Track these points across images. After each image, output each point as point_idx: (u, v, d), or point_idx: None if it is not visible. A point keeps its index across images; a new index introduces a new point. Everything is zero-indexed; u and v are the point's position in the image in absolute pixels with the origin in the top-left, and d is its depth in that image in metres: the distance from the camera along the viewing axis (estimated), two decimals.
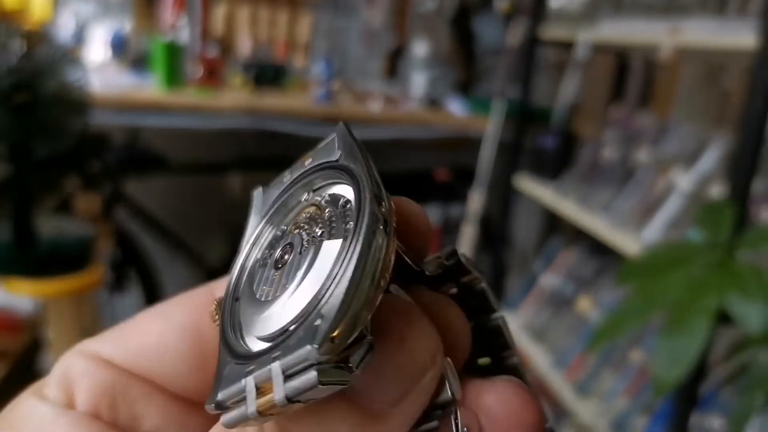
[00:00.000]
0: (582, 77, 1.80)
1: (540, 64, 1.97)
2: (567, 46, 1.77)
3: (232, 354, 0.14)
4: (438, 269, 0.17)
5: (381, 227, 0.13)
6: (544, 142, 1.64)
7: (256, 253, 0.16)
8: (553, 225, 2.30)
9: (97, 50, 1.78)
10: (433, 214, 1.98)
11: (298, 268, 0.14)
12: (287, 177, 0.17)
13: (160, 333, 0.16)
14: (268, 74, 1.77)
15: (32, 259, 0.89)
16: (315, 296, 0.13)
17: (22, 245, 0.91)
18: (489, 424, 0.14)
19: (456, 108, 1.86)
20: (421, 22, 2.11)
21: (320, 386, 0.12)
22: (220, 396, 0.13)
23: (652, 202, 1.32)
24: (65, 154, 1.48)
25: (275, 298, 0.14)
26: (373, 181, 0.15)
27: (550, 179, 1.63)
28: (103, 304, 1.54)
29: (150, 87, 1.64)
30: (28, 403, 0.16)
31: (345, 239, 0.13)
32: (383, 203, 0.14)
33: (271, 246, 0.15)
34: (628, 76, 1.82)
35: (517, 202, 2.30)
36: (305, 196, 0.16)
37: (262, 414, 0.12)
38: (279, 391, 0.12)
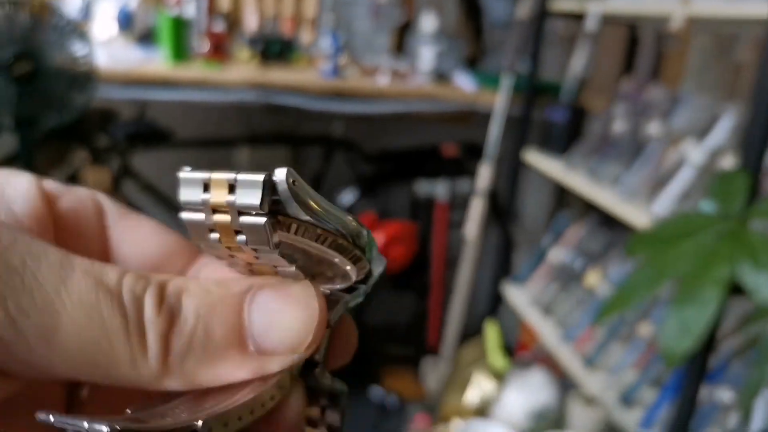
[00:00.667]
0: (592, 50, 1.76)
1: (549, 37, 1.93)
2: (576, 18, 1.73)
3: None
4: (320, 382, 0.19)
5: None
6: (553, 115, 1.61)
7: None
8: (562, 199, 2.28)
9: (103, 25, 1.76)
10: (440, 189, 1.96)
11: None
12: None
13: (152, 234, 0.19)
14: (274, 49, 1.75)
15: None
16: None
17: None
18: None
19: (464, 82, 1.83)
20: None
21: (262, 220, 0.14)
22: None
23: (662, 176, 1.29)
24: (72, 128, 1.47)
25: None
26: None
27: (559, 153, 1.60)
28: None
29: (157, 61, 1.62)
30: (25, 176, 0.18)
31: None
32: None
33: None
34: (638, 48, 1.78)
35: (526, 176, 2.28)
36: None
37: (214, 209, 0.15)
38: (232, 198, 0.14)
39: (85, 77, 0.99)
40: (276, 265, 0.16)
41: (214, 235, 0.15)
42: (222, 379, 0.15)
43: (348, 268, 0.17)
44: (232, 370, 0.15)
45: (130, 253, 0.18)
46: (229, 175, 0.14)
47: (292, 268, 0.16)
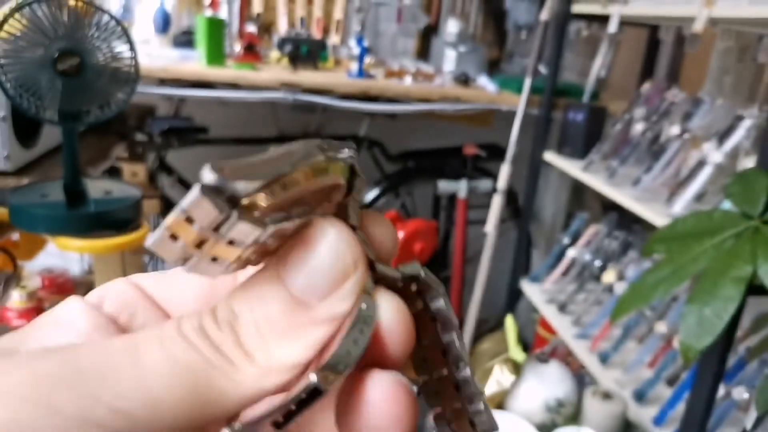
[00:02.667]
0: (613, 52, 1.73)
1: (569, 39, 1.91)
2: (598, 19, 1.71)
3: None
4: (396, 273, 0.18)
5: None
6: (573, 117, 1.59)
7: None
8: (580, 200, 2.25)
9: (141, 26, 1.79)
10: (461, 188, 1.95)
11: None
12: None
13: (192, 282, 0.19)
14: (304, 51, 1.75)
15: (82, 218, 0.90)
16: None
17: (72, 205, 0.92)
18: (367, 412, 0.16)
19: (487, 85, 1.81)
20: (453, 0, 2.06)
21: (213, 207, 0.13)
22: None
23: (682, 177, 1.27)
24: (111, 123, 1.50)
25: None
26: None
27: (578, 154, 1.58)
28: (146, 268, 1.57)
29: (193, 62, 1.64)
30: (71, 299, 0.19)
31: None
32: None
33: None
34: (658, 50, 1.75)
35: (545, 177, 2.26)
36: None
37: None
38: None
39: (127, 75, 1.00)
40: (278, 233, 0.15)
41: (205, 260, 0.15)
42: (309, 344, 0.15)
43: (337, 174, 0.16)
44: (310, 329, 0.15)
45: (180, 306, 0.19)
46: (175, 213, 0.13)
47: (294, 221, 0.15)
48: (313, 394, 0.14)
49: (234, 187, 0.13)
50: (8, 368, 0.14)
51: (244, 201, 0.14)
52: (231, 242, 0.14)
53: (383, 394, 0.16)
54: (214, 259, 0.14)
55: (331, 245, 0.15)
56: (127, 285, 0.19)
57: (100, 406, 0.13)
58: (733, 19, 1.11)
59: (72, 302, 0.19)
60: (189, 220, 0.13)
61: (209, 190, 0.13)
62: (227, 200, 0.13)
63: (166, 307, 0.19)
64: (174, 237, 0.14)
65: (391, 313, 0.17)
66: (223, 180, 0.13)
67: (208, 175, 0.13)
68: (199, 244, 0.14)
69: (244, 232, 0.14)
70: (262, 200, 0.14)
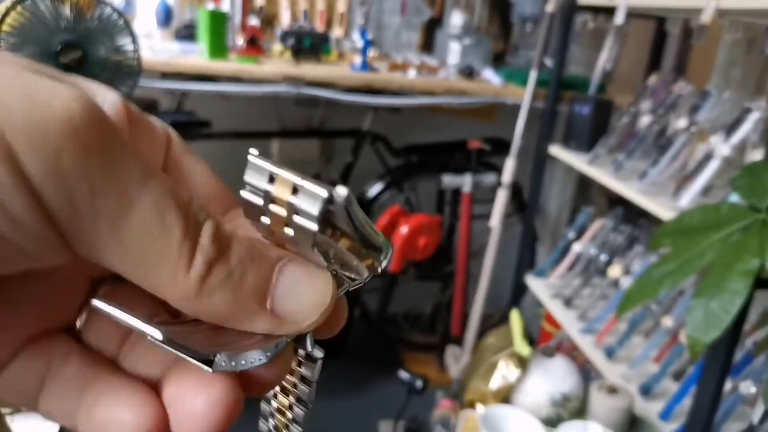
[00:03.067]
0: (620, 44, 1.72)
1: (576, 31, 1.90)
2: (604, 11, 1.69)
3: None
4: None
5: None
6: (579, 110, 1.58)
7: None
8: (585, 194, 2.24)
9: (143, 20, 1.78)
10: (466, 182, 1.95)
11: None
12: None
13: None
14: (307, 44, 1.75)
15: None
16: None
17: None
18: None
19: (491, 78, 1.81)
20: None
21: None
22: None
23: (688, 170, 1.26)
24: None
25: None
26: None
27: (584, 147, 1.57)
28: None
29: (195, 56, 1.64)
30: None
31: None
32: None
33: None
34: (665, 43, 1.74)
35: (550, 171, 2.25)
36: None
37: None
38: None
39: (130, 69, 1.00)
40: (303, 250, 0.17)
41: (266, 219, 0.17)
42: (238, 324, 0.16)
43: (361, 268, 0.18)
44: (249, 319, 0.16)
45: (186, 186, 0.20)
46: (295, 178, 0.16)
47: (316, 255, 0.17)
48: None
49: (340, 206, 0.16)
50: None
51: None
52: (288, 225, 0.16)
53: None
54: (272, 233, 0.17)
55: (322, 299, 0.17)
56: (162, 128, 0.19)
57: None
58: (742, 11, 1.10)
59: (113, 96, 0.18)
60: (286, 224, 0.16)
61: (319, 232, 0.16)
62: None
63: (174, 175, 0.19)
64: (262, 213, 0.16)
65: None
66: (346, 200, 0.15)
67: (342, 191, 0.15)
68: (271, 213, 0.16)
69: (306, 248, 0.17)
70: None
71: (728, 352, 0.95)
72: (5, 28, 0.85)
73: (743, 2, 1.03)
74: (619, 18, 1.35)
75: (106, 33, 0.94)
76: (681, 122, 1.29)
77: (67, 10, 0.90)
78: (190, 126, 1.59)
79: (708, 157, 1.17)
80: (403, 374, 1.28)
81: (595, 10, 1.68)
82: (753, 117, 1.13)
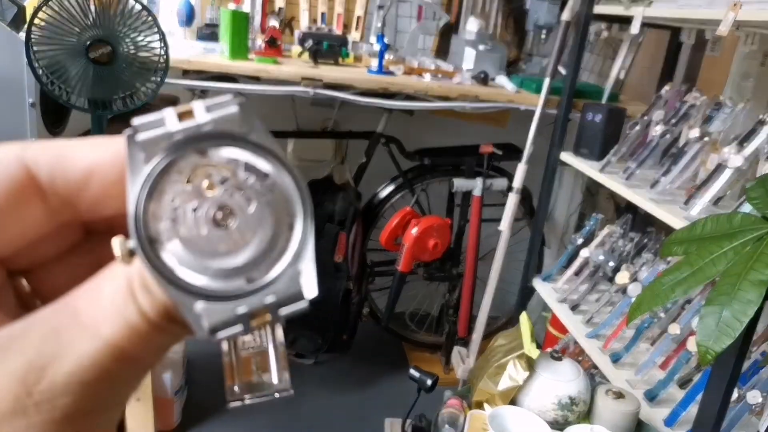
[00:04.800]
0: (633, 54, 1.71)
1: (590, 40, 1.89)
2: (619, 21, 1.68)
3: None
4: None
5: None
6: (591, 118, 1.57)
7: (170, 201, 0.16)
8: (593, 201, 2.23)
9: (165, 19, 1.79)
10: (477, 186, 1.94)
11: (254, 235, 0.16)
12: (172, 127, 0.16)
13: (94, 160, 0.17)
14: (325, 47, 1.75)
15: None
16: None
17: None
18: None
19: (505, 84, 1.80)
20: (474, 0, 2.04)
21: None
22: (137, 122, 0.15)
23: (700, 180, 1.25)
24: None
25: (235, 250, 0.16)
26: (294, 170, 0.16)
27: (595, 155, 1.57)
28: None
29: (216, 55, 1.64)
30: None
31: (302, 224, 0.16)
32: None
33: (187, 198, 0.16)
34: (678, 53, 1.72)
35: (559, 177, 2.24)
36: (206, 157, 0.16)
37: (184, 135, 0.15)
38: (276, 314, 0.15)
39: (156, 66, 1.00)
40: None
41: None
42: None
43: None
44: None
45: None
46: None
47: None
48: None
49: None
50: None
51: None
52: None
53: None
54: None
55: None
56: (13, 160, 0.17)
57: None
58: (759, 23, 1.09)
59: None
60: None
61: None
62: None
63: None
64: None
65: None
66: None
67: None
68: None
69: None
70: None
71: (737, 361, 0.94)
72: (37, 22, 0.86)
73: (761, 15, 1.02)
74: (635, 28, 1.34)
75: (135, 30, 0.94)
76: (693, 132, 1.28)
77: (92, 6, 0.91)
78: None
79: (720, 168, 1.16)
80: (414, 372, 1.27)
81: (611, 19, 1.68)
82: (766, 129, 1.12)
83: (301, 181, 0.16)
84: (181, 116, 0.16)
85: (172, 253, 0.15)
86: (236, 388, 0.17)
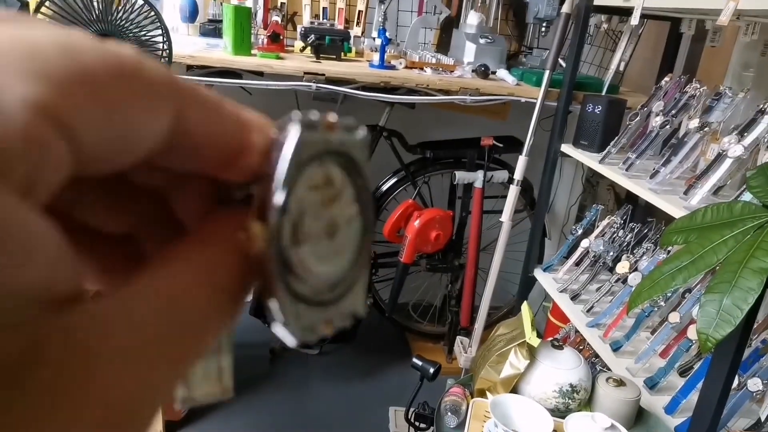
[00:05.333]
0: (634, 46, 1.69)
1: (591, 33, 1.87)
2: (618, 12, 1.67)
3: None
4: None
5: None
6: (591, 110, 1.56)
7: (301, 204, 0.16)
8: (593, 193, 2.22)
9: (169, 14, 1.78)
10: (478, 178, 1.93)
11: (345, 253, 0.17)
12: (327, 135, 0.16)
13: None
14: (327, 41, 1.73)
15: None
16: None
17: None
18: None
19: (506, 77, 1.78)
20: None
21: None
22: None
23: (700, 170, 1.24)
24: None
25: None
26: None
27: (596, 146, 1.55)
28: None
29: (219, 50, 1.63)
30: None
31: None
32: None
33: (314, 205, 0.16)
34: (679, 45, 1.71)
35: (561, 168, 2.22)
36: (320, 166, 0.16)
37: None
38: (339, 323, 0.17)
39: (160, 60, 0.99)
40: None
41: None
42: None
43: None
44: None
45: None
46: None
47: None
48: None
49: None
50: None
51: None
52: None
53: None
54: None
55: None
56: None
57: None
58: (760, 11, 1.07)
59: None
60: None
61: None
62: None
63: None
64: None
65: None
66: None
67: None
68: None
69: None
70: None
71: (738, 349, 0.93)
72: (41, 17, 0.85)
73: (762, 3, 1.00)
74: (635, 19, 1.32)
75: (138, 25, 0.93)
76: (693, 122, 1.26)
77: (95, 1, 0.90)
78: None
79: (720, 157, 1.15)
80: (416, 361, 1.27)
81: (610, 11, 1.66)
82: (766, 118, 1.11)
83: (373, 217, 0.17)
84: (328, 126, 0.16)
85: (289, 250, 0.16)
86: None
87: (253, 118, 0.17)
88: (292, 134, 0.15)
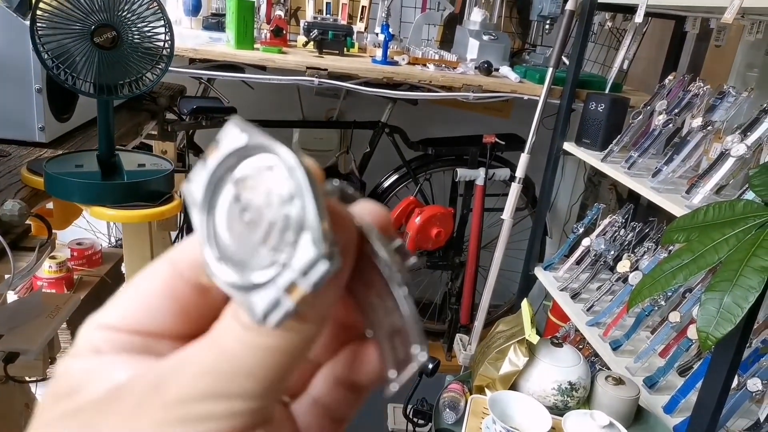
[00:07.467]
0: (638, 44, 1.68)
1: (594, 30, 1.86)
2: (623, 10, 1.66)
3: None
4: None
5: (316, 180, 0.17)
6: (594, 108, 1.55)
7: (222, 221, 0.18)
8: (596, 191, 2.21)
9: (172, 7, 1.78)
10: (480, 176, 1.93)
11: (277, 223, 0.17)
12: (207, 165, 0.18)
13: (145, 296, 0.20)
14: (330, 37, 1.73)
15: (115, 189, 0.89)
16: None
17: (106, 176, 0.91)
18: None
19: (508, 74, 1.78)
20: None
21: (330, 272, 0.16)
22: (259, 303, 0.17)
23: (702, 169, 1.23)
24: (144, 102, 1.49)
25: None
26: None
27: (598, 145, 1.55)
28: (173, 244, 1.56)
29: (222, 44, 1.63)
30: (69, 360, 0.20)
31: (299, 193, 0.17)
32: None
33: (232, 211, 0.18)
34: (683, 44, 1.70)
35: (563, 167, 2.22)
36: (233, 173, 0.18)
37: (296, 305, 0.16)
38: (305, 283, 0.16)
39: (161, 53, 0.99)
40: None
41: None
42: None
43: None
44: None
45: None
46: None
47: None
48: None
49: None
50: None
51: None
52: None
53: None
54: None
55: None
56: (103, 330, 0.20)
57: None
58: (765, 9, 1.07)
59: (72, 358, 0.20)
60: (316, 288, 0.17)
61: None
62: None
63: (144, 329, 0.20)
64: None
65: None
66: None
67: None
68: None
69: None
70: None
71: (738, 348, 0.92)
72: (42, 6, 0.85)
73: (767, 1, 0.99)
74: (639, 17, 1.32)
75: (140, 16, 0.93)
76: (696, 121, 1.26)
77: None
78: (216, 112, 1.58)
79: (723, 156, 1.14)
80: None
81: (615, 8, 1.65)
82: None
83: (299, 159, 0.17)
84: (209, 154, 0.18)
85: (224, 260, 0.17)
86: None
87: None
88: (183, 195, 0.19)
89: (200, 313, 0.20)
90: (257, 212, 0.17)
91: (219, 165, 0.18)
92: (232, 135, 0.18)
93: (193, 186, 0.18)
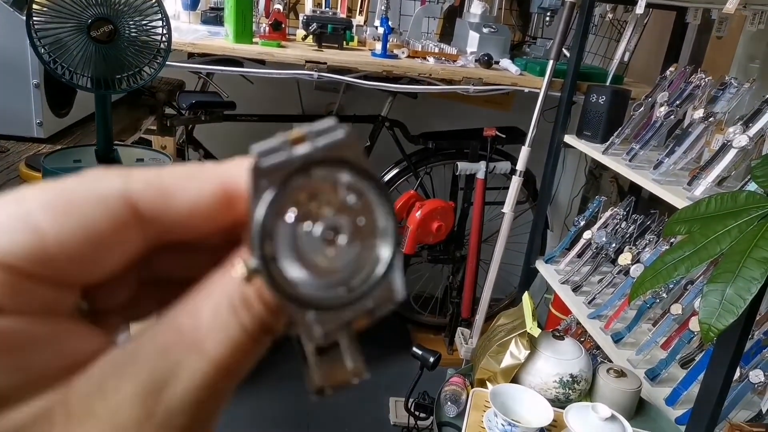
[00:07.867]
0: (639, 36, 1.67)
1: (595, 22, 1.85)
2: (624, 2, 1.65)
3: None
4: None
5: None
6: (595, 100, 1.54)
7: (284, 219, 0.17)
8: (597, 183, 2.21)
9: (170, 2, 1.77)
10: (480, 169, 1.92)
11: (355, 250, 0.17)
12: (291, 154, 0.17)
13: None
14: (329, 30, 1.72)
15: None
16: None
17: None
18: None
19: (509, 67, 1.77)
20: None
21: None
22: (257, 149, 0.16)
23: (704, 161, 1.23)
24: (143, 97, 1.49)
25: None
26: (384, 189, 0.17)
27: (599, 137, 1.54)
28: None
29: (221, 38, 1.62)
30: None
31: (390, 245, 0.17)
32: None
33: (301, 218, 0.17)
34: (684, 35, 1.69)
35: (564, 160, 2.21)
36: (316, 180, 0.17)
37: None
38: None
39: (158, 47, 0.99)
40: None
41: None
42: None
43: None
44: None
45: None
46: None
47: None
48: None
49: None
50: None
51: None
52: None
53: None
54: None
55: None
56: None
57: None
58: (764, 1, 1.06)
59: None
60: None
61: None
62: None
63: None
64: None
65: None
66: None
67: None
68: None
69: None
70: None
71: (740, 340, 0.92)
72: (39, 0, 0.84)
73: None
74: (640, 8, 1.31)
75: (137, 10, 0.92)
76: (698, 113, 1.25)
77: None
78: (215, 107, 1.58)
79: (725, 148, 1.14)
80: (416, 350, 1.26)
81: (615, 0, 1.64)
82: None
83: (390, 197, 0.17)
84: (294, 142, 0.17)
85: (286, 270, 0.16)
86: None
87: (229, 168, 0.18)
88: (251, 170, 0.16)
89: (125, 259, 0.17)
90: (346, 236, 0.17)
91: (306, 159, 0.17)
92: (333, 137, 0.17)
93: (267, 162, 0.16)
